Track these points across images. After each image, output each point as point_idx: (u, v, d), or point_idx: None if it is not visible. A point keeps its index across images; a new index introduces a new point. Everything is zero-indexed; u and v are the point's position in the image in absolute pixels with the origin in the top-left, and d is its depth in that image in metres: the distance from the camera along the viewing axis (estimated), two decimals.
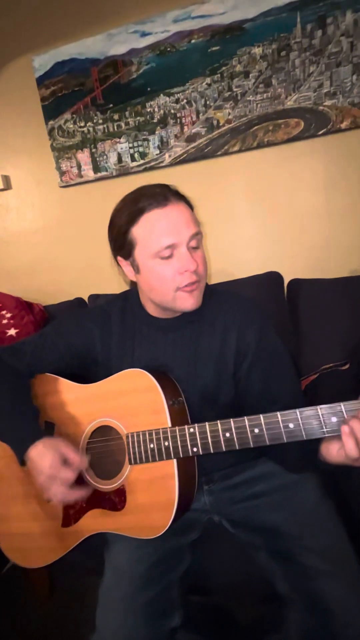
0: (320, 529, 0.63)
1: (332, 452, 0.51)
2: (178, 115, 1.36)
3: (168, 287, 0.63)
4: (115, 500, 0.64)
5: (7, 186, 1.60)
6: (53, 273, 1.64)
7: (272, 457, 0.68)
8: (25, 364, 0.74)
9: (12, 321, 1.42)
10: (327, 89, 1.24)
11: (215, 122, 1.34)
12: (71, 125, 1.47)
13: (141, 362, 0.69)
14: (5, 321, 1.41)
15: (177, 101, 1.36)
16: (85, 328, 0.74)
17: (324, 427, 0.52)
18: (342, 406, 0.51)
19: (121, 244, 0.66)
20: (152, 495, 0.61)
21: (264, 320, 0.70)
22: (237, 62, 1.28)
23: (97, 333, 0.73)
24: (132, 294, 0.77)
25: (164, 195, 0.62)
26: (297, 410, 0.52)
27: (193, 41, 1.30)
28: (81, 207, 1.55)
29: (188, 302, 0.64)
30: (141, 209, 0.62)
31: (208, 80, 1.32)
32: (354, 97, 1.22)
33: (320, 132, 1.26)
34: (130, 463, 0.63)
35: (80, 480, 0.67)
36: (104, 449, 0.68)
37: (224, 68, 1.30)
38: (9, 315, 1.42)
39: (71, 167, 1.50)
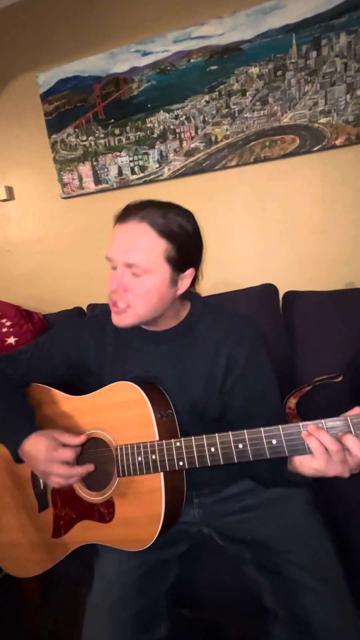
0: (307, 544, 0.63)
1: (306, 461, 0.52)
2: (177, 130, 1.40)
3: (107, 292, 0.67)
4: (104, 512, 0.65)
5: (10, 197, 1.63)
6: (53, 282, 1.66)
7: (247, 475, 0.69)
8: (20, 374, 0.76)
9: (11, 329, 1.43)
10: (322, 107, 1.27)
11: (213, 138, 1.37)
12: (73, 139, 1.51)
13: (133, 374, 0.70)
14: (4, 329, 1.43)
15: (176, 117, 1.39)
16: (81, 338, 0.75)
17: (307, 445, 0.51)
18: (324, 423, 0.51)
19: None
20: (140, 508, 0.62)
21: (255, 340, 0.70)
22: (234, 81, 1.32)
23: (92, 343, 0.74)
24: None
25: (127, 212, 0.64)
26: (280, 427, 0.53)
27: (192, 60, 1.34)
28: (82, 218, 1.58)
29: (115, 320, 0.67)
30: (116, 220, 0.67)
31: (207, 97, 1.35)
32: (347, 115, 1.25)
33: (316, 149, 1.29)
34: (118, 475, 0.63)
35: (70, 493, 0.68)
36: (94, 461, 0.68)
37: (222, 86, 1.34)
38: (8, 323, 1.44)
39: (73, 179, 1.54)
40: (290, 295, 1.26)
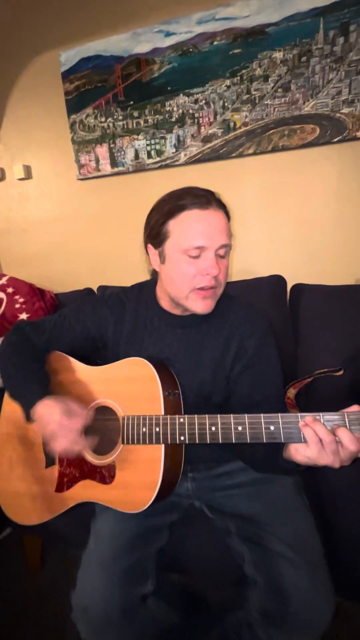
0: (289, 520, 0.66)
1: (300, 450, 0.54)
2: (196, 115, 1.39)
3: (186, 284, 0.66)
4: (105, 475, 0.69)
5: (28, 176, 1.66)
6: (66, 262, 1.70)
7: (241, 458, 0.72)
8: (43, 340, 0.80)
9: (24, 306, 1.48)
10: (345, 97, 1.24)
11: (232, 124, 1.36)
12: (92, 120, 1.51)
13: (147, 352, 0.73)
14: (17, 305, 1.48)
15: (196, 101, 1.38)
16: (101, 314, 0.78)
17: (302, 434, 0.54)
18: (322, 416, 0.53)
19: (156, 233, 0.69)
20: (139, 475, 0.66)
21: (265, 332, 0.74)
22: (257, 66, 1.30)
23: (111, 320, 0.77)
24: (148, 287, 0.81)
25: (207, 199, 0.65)
26: (280, 415, 0.55)
27: (215, 43, 1.32)
28: (97, 200, 1.60)
29: (198, 305, 0.67)
30: (183, 205, 0.65)
31: (228, 82, 1.33)
32: None
33: (335, 140, 1.27)
34: (123, 443, 0.68)
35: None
36: (102, 427, 0.73)
37: (244, 71, 1.31)
38: (21, 300, 1.49)
39: (90, 160, 1.55)
40: (298, 287, 1.26)
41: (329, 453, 0.51)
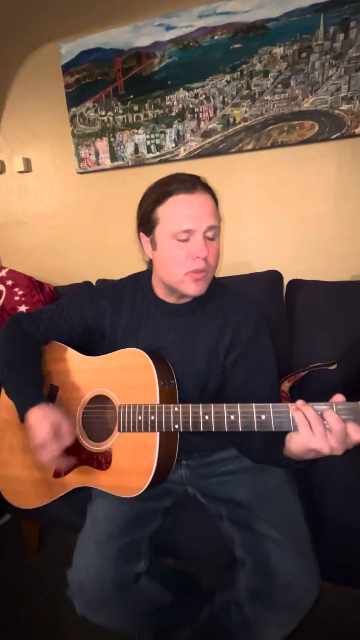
0: (278, 505, 0.69)
1: (293, 438, 0.56)
2: (196, 110, 1.39)
3: (178, 269, 0.67)
4: (102, 461, 0.72)
5: (28, 169, 1.66)
6: (65, 256, 1.71)
7: (238, 447, 0.74)
8: (41, 330, 0.81)
9: (23, 298, 1.50)
10: (344, 93, 1.25)
11: (231, 120, 1.37)
12: (92, 114, 1.51)
13: (145, 341, 0.75)
14: (17, 298, 1.49)
15: (196, 96, 1.38)
16: (98, 304, 0.79)
17: (292, 423, 0.56)
18: (312, 405, 0.55)
19: (146, 220, 0.70)
20: (134, 461, 0.68)
21: (260, 321, 0.75)
22: (257, 61, 1.30)
23: (109, 310, 0.79)
24: (144, 276, 0.82)
25: (192, 183, 0.66)
26: (271, 405, 0.57)
27: (216, 37, 1.32)
28: (96, 194, 1.60)
29: (192, 288, 0.68)
30: (170, 191, 0.66)
31: (228, 77, 1.34)
32: None
33: (334, 136, 1.28)
34: (119, 430, 0.70)
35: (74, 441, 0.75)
36: (98, 415, 0.76)
37: (244, 66, 1.31)
38: (21, 292, 1.50)
39: (89, 154, 1.55)
40: (295, 283, 1.28)
41: (318, 435, 0.52)
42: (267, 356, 0.74)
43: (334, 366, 1.09)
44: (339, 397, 0.55)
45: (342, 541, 0.74)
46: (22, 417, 0.72)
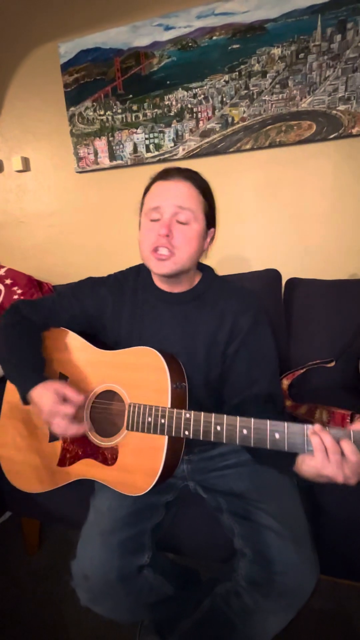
0: (277, 496, 0.69)
1: (308, 461, 0.54)
2: (194, 110, 1.40)
3: (146, 245, 0.71)
4: (108, 456, 0.72)
5: (26, 168, 1.66)
6: (64, 255, 1.71)
7: (246, 448, 0.72)
8: (42, 316, 0.81)
9: (22, 297, 1.50)
10: (341, 94, 1.26)
11: (230, 119, 1.38)
12: (91, 113, 1.52)
13: (147, 331, 0.75)
14: (16, 297, 1.49)
15: (194, 96, 1.39)
16: (100, 295, 0.79)
17: (306, 445, 0.54)
18: (329, 429, 0.53)
19: (140, 205, 0.77)
20: (140, 461, 0.68)
21: (259, 311, 0.76)
22: (255, 62, 1.31)
23: (110, 301, 0.79)
24: (144, 267, 0.82)
25: (172, 172, 0.72)
26: (286, 423, 0.55)
27: (214, 38, 1.33)
28: (95, 193, 1.61)
29: (158, 267, 0.71)
30: (153, 180, 0.74)
31: (226, 77, 1.35)
32: None
33: (332, 136, 1.29)
34: (127, 429, 0.69)
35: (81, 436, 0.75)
36: (107, 410, 0.75)
37: (242, 66, 1.33)
38: (19, 291, 1.50)
39: (88, 153, 1.56)
40: (293, 282, 1.29)
41: (333, 464, 0.51)
42: (268, 344, 0.75)
43: (332, 363, 1.10)
44: (358, 425, 0.53)
45: (341, 534, 0.75)
46: (24, 398, 0.72)
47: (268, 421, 0.56)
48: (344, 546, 0.76)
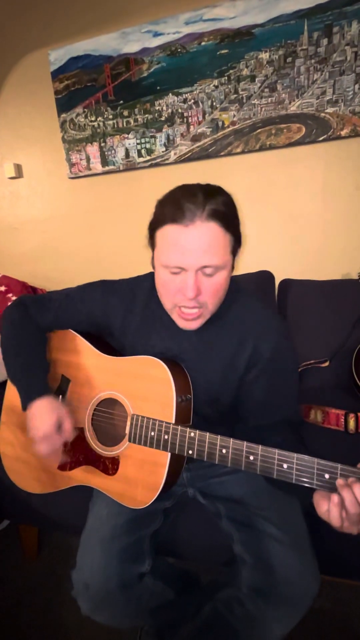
0: (276, 502, 0.69)
1: (322, 508, 0.52)
2: (185, 114, 1.42)
3: (168, 299, 0.64)
4: (109, 466, 0.71)
5: (19, 174, 1.67)
6: (58, 261, 1.71)
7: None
8: (47, 320, 0.78)
9: None
10: (329, 97, 1.28)
11: (220, 123, 1.39)
12: (82, 119, 1.53)
13: (155, 349, 0.71)
14: (10, 303, 1.49)
15: (184, 101, 1.41)
16: (110, 302, 0.75)
17: (314, 479, 0.52)
18: (339, 468, 0.51)
19: (150, 236, 0.65)
20: (142, 474, 0.67)
21: (281, 335, 0.70)
22: (244, 66, 1.33)
23: (120, 310, 0.74)
24: None
25: (191, 213, 0.57)
26: (295, 455, 0.53)
27: (203, 43, 1.34)
28: (88, 199, 1.61)
29: (184, 325, 0.65)
30: (164, 218, 0.60)
31: (216, 82, 1.36)
32: (355, 106, 1.26)
33: (321, 138, 1.31)
34: (129, 440, 0.68)
35: (82, 440, 0.75)
36: (109, 419, 0.74)
37: (231, 71, 1.34)
38: (14, 298, 1.50)
39: (80, 159, 1.56)
40: (286, 283, 1.30)
41: (349, 522, 0.49)
42: (290, 371, 0.71)
43: (327, 363, 1.11)
44: None
45: (339, 533, 0.75)
46: (25, 406, 0.71)
47: (277, 450, 0.53)
48: (342, 545, 0.76)
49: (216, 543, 0.74)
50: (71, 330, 0.80)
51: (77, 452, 0.75)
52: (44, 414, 0.68)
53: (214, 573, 0.75)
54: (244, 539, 0.67)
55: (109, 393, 0.73)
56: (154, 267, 0.66)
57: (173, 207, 0.59)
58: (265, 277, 1.29)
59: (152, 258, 0.66)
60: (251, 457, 0.55)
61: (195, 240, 0.58)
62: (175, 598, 0.74)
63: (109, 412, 0.75)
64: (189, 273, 0.59)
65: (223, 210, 0.59)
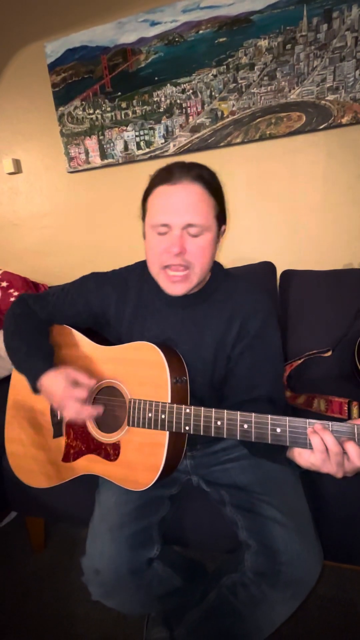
0: (280, 488, 0.70)
1: (304, 455, 0.54)
2: (184, 105, 1.40)
3: (155, 261, 0.67)
4: (110, 452, 0.73)
5: (18, 170, 1.66)
6: (58, 255, 1.71)
7: (241, 442, 0.71)
8: (46, 312, 0.81)
9: None
10: (330, 84, 1.26)
11: (219, 113, 1.37)
12: (80, 112, 1.51)
13: (150, 333, 0.74)
14: (12, 299, 1.50)
15: (183, 91, 1.39)
16: (104, 291, 0.77)
17: (309, 440, 0.52)
18: (330, 425, 0.51)
19: (142, 209, 0.71)
20: (142, 456, 0.69)
21: (268, 313, 0.73)
22: (243, 54, 1.31)
23: (114, 298, 0.77)
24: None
25: (180, 173, 0.63)
26: (287, 418, 0.54)
27: (201, 32, 1.32)
28: (88, 193, 1.61)
29: (170, 289, 0.67)
30: (155, 182, 0.66)
31: (214, 71, 1.34)
32: (355, 93, 1.24)
33: (321, 127, 1.29)
34: (128, 424, 0.70)
35: (83, 429, 0.77)
36: (109, 406, 0.76)
37: (230, 59, 1.32)
38: (16, 293, 1.51)
39: (79, 153, 1.55)
40: (288, 273, 1.29)
41: (334, 464, 0.50)
42: (274, 349, 0.73)
43: (329, 353, 1.11)
44: None
45: (342, 519, 0.76)
46: (34, 386, 0.72)
47: (269, 416, 0.55)
48: (346, 531, 0.77)
49: (220, 530, 0.75)
50: (67, 326, 0.82)
51: (79, 442, 0.76)
52: (56, 381, 0.69)
53: (219, 561, 0.76)
54: (249, 525, 0.68)
55: (107, 381, 0.75)
56: (144, 236, 0.70)
57: (163, 172, 0.66)
58: (267, 268, 1.28)
59: (143, 229, 0.70)
60: (245, 426, 0.57)
61: (181, 198, 0.63)
62: (182, 585, 0.75)
63: (108, 400, 0.76)
64: (175, 230, 0.63)
65: (208, 177, 0.65)
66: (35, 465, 0.81)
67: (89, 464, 0.75)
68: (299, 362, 1.15)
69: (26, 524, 1.12)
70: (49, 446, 0.80)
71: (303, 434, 0.53)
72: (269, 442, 0.55)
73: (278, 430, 0.54)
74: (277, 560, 0.62)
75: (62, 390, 0.68)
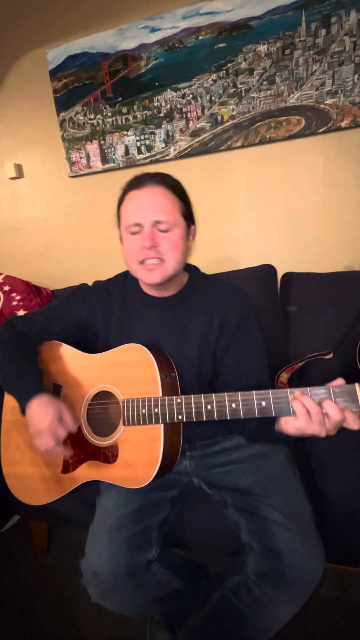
0: (282, 490, 0.71)
1: (290, 422, 0.59)
2: (184, 110, 1.41)
3: (132, 259, 0.73)
4: (109, 455, 0.74)
5: (20, 175, 1.67)
6: (60, 260, 1.72)
7: (235, 430, 0.77)
8: (35, 332, 0.84)
9: (21, 303, 1.51)
10: (328, 88, 1.27)
11: (219, 118, 1.39)
12: (81, 118, 1.53)
13: (138, 337, 0.77)
14: (14, 303, 1.51)
15: (183, 96, 1.40)
16: (89, 304, 0.82)
17: (292, 408, 0.57)
18: (309, 390, 0.57)
19: (117, 216, 0.78)
20: (140, 453, 0.70)
21: (246, 308, 0.78)
22: (242, 59, 1.32)
23: (99, 309, 0.81)
24: (131, 274, 0.83)
25: (144, 179, 0.73)
26: (270, 391, 0.59)
27: (200, 37, 1.34)
28: (89, 197, 1.62)
29: (148, 277, 0.73)
30: (125, 190, 0.75)
31: (214, 76, 1.36)
32: (354, 97, 1.25)
33: (321, 130, 1.30)
34: (124, 424, 0.72)
35: (79, 437, 0.77)
36: (103, 411, 0.77)
37: (229, 65, 1.33)
38: (18, 297, 1.52)
39: (80, 157, 1.57)
40: (288, 276, 1.30)
41: (316, 423, 0.55)
42: (256, 339, 0.77)
43: (330, 355, 1.11)
44: (339, 381, 0.57)
45: (344, 521, 0.76)
46: (23, 409, 0.74)
47: (254, 392, 0.60)
48: (348, 533, 0.77)
49: (223, 533, 0.75)
50: (56, 341, 0.85)
51: (77, 450, 0.77)
52: (43, 409, 0.71)
53: (222, 564, 0.77)
54: (251, 527, 0.68)
55: (99, 387, 0.77)
56: (121, 241, 0.77)
57: (132, 181, 0.75)
58: (267, 270, 1.29)
59: (120, 235, 0.77)
60: (233, 405, 0.61)
61: (148, 199, 0.71)
62: (184, 588, 0.75)
63: (102, 405, 0.77)
64: (145, 228, 0.71)
65: (171, 181, 0.74)
66: (34, 483, 0.82)
67: (88, 471, 0.75)
68: (300, 364, 1.15)
69: (29, 528, 1.13)
70: (46, 461, 0.80)
71: (286, 402, 0.58)
72: (257, 415, 0.59)
73: (263, 403, 0.59)
74: (280, 562, 0.62)
75: (50, 422, 0.70)
